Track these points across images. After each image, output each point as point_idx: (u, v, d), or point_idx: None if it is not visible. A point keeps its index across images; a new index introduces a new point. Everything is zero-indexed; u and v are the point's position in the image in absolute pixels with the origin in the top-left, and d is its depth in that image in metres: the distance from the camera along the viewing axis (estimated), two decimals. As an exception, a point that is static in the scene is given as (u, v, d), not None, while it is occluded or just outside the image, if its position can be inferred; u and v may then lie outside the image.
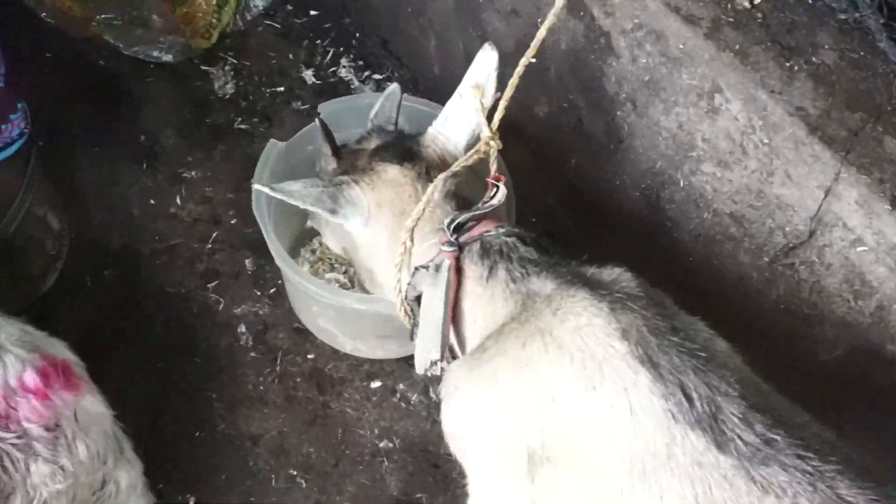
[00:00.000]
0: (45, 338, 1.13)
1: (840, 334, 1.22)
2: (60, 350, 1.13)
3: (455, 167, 1.06)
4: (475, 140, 1.12)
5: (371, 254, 1.18)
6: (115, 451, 1.15)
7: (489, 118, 1.12)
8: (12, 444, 1.02)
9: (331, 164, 1.19)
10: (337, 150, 1.19)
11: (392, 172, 1.12)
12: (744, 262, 1.31)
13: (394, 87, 1.24)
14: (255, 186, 1.20)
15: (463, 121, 1.14)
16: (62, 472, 1.06)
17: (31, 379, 1.06)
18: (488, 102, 1.14)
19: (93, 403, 1.13)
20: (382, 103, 1.23)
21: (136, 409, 1.36)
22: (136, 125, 1.76)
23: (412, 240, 1.07)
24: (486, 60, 1.12)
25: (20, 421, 1.04)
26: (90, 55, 1.81)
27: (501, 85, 1.10)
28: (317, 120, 1.18)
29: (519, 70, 1.09)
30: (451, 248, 1.01)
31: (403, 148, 1.15)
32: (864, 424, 1.19)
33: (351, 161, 1.18)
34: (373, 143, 1.18)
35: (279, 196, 1.12)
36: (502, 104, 1.10)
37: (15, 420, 1.04)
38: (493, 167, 1.11)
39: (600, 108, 1.43)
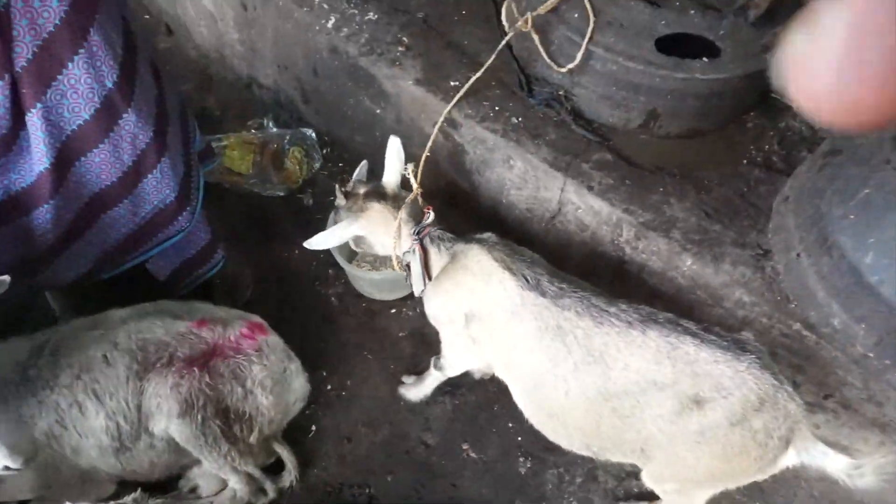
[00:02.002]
0: (247, 314, 2.13)
1: (579, 250, 2.25)
2: (255, 317, 2.11)
3: (408, 200, 1.86)
4: (402, 184, 1.94)
5: (375, 242, 1.94)
6: (287, 355, 2.12)
7: (414, 178, 1.91)
8: (242, 359, 1.99)
9: (342, 201, 1.95)
10: (346, 195, 1.96)
11: (377, 207, 1.89)
12: (535, 227, 2.32)
13: (363, 163, 2.04)
14: (307, 244, 1.95)
15: (393, 175, 1.93)
16: (265, 368, 2.02)
17: (245, 331, 2.06)
18: (397, 174, 1.94)
19: (273, 337, 2.06)
20: (360, 170, 2.04)
21: (293, 335, 2.22)
22: (273, 224, 2.85)
23: (399, 233, 1.84)
24: (393, 145, 1.93)
25: (244, 350, 2.03)
26: (248, 199, 2.92)
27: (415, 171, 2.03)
28: (336, 186, 2.01)
29: (422, 160, 2.00)
30: (416, 240, 1.82)
31: (378, 193, 1.91)
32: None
33: (353, 200, 1.93)
34: (361, 190, 1.93)
35: (322, 246, 1.96)
36: (419, 174, 1.93)
37: (243, 349, 2.02)
38: (420, 199, 1.89)
39: (464, 176, 2.41)
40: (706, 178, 2.28)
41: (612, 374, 1.63)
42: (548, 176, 2.25)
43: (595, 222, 2.23)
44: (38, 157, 1.67)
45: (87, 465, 1.93)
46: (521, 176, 2.32)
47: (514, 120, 2.37)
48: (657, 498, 2.07)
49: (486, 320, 1.74)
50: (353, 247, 2.12)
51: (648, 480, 1.84)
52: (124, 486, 2.06)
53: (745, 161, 2.36)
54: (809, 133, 2.42)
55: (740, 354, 1.49)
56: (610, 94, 2.26)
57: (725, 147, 2.40)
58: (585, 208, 2.21)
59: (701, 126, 2.35)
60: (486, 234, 1.83)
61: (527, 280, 1.66)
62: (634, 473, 2.27)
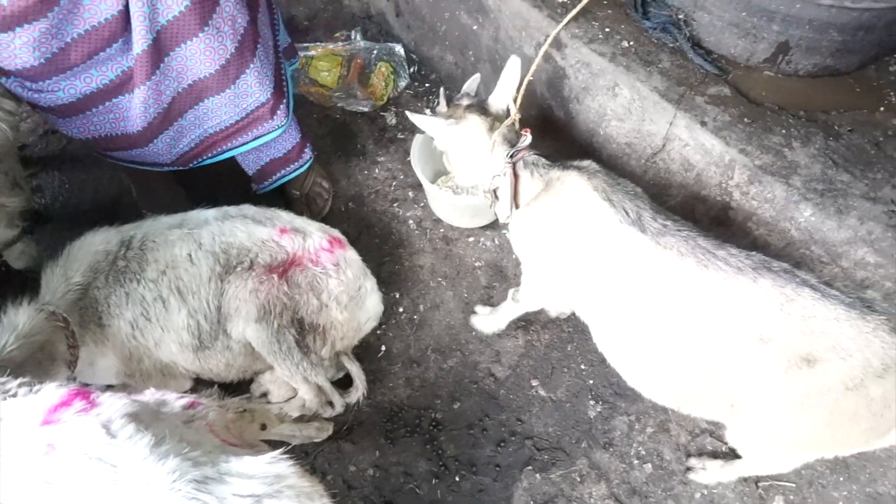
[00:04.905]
0: (328, 227, 2.08)
1: (679, 192, 2.12)
2: (335, 232, 2.08)
3: (506, 124, 1.81)
4: (508, 110, 1.86)
5: (464, 160, 1.88)
6: (363, 273, 2.12)
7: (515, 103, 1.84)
8: (320, 272, 1.96)
9: (444, 108, 1.92)
10: (448, 103, 1.93)
11: (475, 119, 1.83)
12: (633, 164, 2.21)
13: (476, 76, 1.96)
14: (408, 113, 1.90)
15: (503, 97, 1.86)
16: (341, 283, 2.00)
17: (325, 245, 2.02)
18: (506, 97, 1.84)
19: (352, 253, 2.10)
20: (471, 82, 1.95)
21: (369, 254, 2.40)
22: (355, 140, 2.86)
23: (495, 147, 1.77)
24: (513, 64, 1.84)
25: (322, 263, 1.99)
26: (332, 112, 2.93)
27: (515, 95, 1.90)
28: (441, 89, 2.05)
29: (523, 83, 1.88)
30: (510, 163, 1.76)
31: (481, 107, 1.86)
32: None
33: (454, 110, 1.88)
34: (465, 102, 1.88)
35: (417, 122, 1.84)
36: (519, 99, 1.87)
37: (321, 262, 1.98)
38: (517, 124, 1.84)
39: (561, 103, 2.31)
40: (836, 122, 2.04)
41: (712, 322, 1.50)
42: (656, 107, 2.05)
43: (703, 162, 2.04)
44: (137, 38, 1.67)
45: (167, 360, 1.99)
46: (626, 106, 2.13)
47: (626, 44, 2.17)
48: (734, 458, 1.97)
49: (575, 253, 1.64)
50: (445, 163, 2.07)
51: (733, 439, 1.72)
52: (200, 383, 2.11)
53: (882, 108, 2.10)
54: (965, 81, 2.10)
55: (866, 314, 1.33)
56: (738, 20, 2.03)
57: (862, 91, 2.14)
58: (694, 146, 2.01)
59: (837, 65, 2.09)
60: (586, 162, 1.70)
61: (627, 214, 1.53)
62: (710, 430, 2.18)
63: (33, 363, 1.66)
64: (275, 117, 2.08)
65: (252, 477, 0.96)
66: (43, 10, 1.52)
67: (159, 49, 1.75)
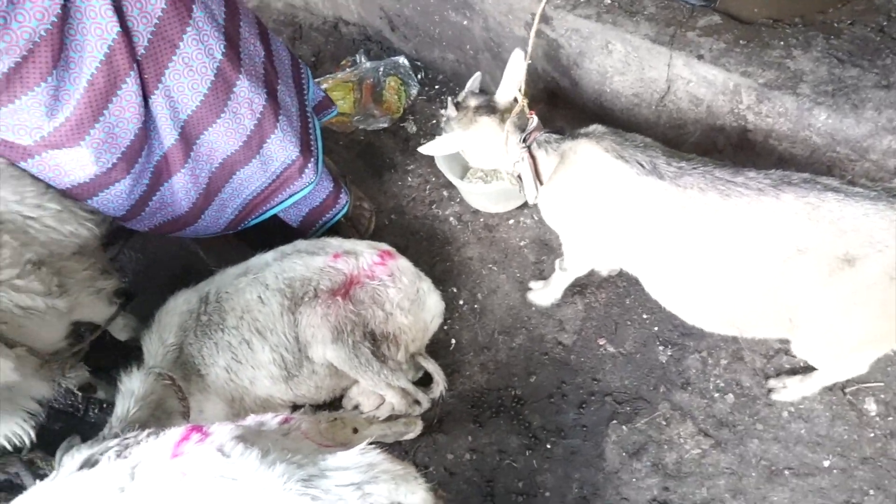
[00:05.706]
0: (375, 242, 2.22)
1: (695, 128, 2.21)
2: (383, 245, 2.22)
3: (514, 113, 1.86)
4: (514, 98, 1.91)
5: (483, 156, 1.98)
6: (417, 276, 2.24)
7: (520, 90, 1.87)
8: (378, 285, 2.09)
9: (453, 112, 1.95)
10: (457, 106, 1.95)
11: (486, 120, 1.90)
12: (644, 112, 2.30)
13: (477, 74, 2.02)
14: (420, 149, 2.00)
15: (509, 90, 1.90)
16: (399, 290, 2.12)
17: (376, 259, 2.16)
18: (513, 90, 1.88)
19: (403, 261, 2.22)
20: (472, 81, 2.01)
21: (420, 258, 2.57)
22: (383, 156, 3.00)
23: (509, 138, 1.85)
24: (517, 57, 1.86)
25: (378, 276, 2.13)
26: (355, 136, 3.08)
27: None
28: (448, 98, 2.07)
29: (524, 67, 1.87)
30: (524, 148, 1.83)
31: (489, 105, 1.91)
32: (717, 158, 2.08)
33: (463, 112, 1.93)
34: (472, 102, 1.92)
35: (432, 152, 1.96)
36: (523, 86, 1.87)
37: (377, 276, 2.12)
38: (526, 109, 1.88)
39: (563, 72, 2.42)
40: (834, 19, 2.04)
41: (748, 246, 1.56)
42: (651, 53, 2.11)
43: (710, 94, 2.08)
44: (165, 134, 1.87)
45: (264, 395, 2.19)
46: (623, 59, 2.19)
47: (608, 0, 2.22)
48: (811, 370, 2.00)
49: (604, 215, 1.71)
50: (463, 155, 2.13)
51: (800, 351, 1.77)
52: (295, 410, 2.30)
53: (882, -9, 2.07)
54: (963, -58, 2.05)
55: (894, 203, 1.36)
56: (711, -53, 2.04)
57: (857, -20, 2.11)
58: (697, 80, 2.06)
59: (824, -38, 2.07)
60: (592, 127, 1.76)
61: (642, 165, 1.59)
62: (784, 349, 2.22)
63: (154, 420, 1.90)
64: (304, 175, 2.24)
65: (348, 468, 1.12)
66: (75, 138, 1.68)
67: (187, 139, 1.96)
